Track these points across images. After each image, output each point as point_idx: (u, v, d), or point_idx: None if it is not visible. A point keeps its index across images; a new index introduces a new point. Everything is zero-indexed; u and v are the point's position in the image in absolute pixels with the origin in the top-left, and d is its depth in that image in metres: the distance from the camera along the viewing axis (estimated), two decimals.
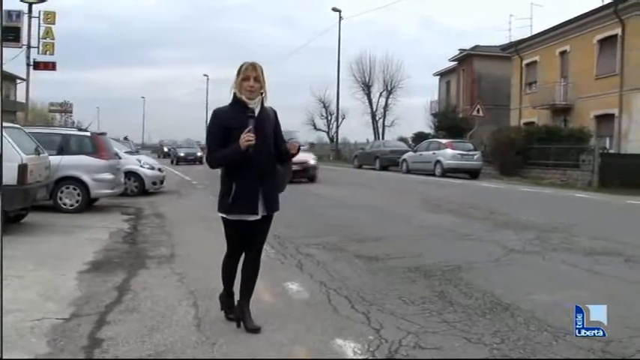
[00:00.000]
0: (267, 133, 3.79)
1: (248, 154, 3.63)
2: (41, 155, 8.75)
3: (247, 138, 3.60)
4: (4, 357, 3.06)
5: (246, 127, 3.61)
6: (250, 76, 3.69)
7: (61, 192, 10.35)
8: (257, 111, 3.74)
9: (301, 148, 4.42)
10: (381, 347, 3.61)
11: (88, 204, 10.76)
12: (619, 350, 3.54)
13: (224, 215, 3.81)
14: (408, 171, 25.52)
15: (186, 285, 5.14)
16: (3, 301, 4.40)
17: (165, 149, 45.06)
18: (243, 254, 3.96)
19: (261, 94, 3.77)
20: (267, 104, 3.86)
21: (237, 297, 4.00)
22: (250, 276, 3.96)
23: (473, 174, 23.39)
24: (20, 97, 36.13)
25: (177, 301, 4.61)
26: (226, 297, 4.09)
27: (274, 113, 3.94)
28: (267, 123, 3.82)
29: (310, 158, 18.47)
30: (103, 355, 3.47)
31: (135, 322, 4.10)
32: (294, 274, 5.70)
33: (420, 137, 35.29)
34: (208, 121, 3.88)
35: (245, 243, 3.90)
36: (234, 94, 3.76)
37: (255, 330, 3.87)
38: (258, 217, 3.79)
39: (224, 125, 3.73)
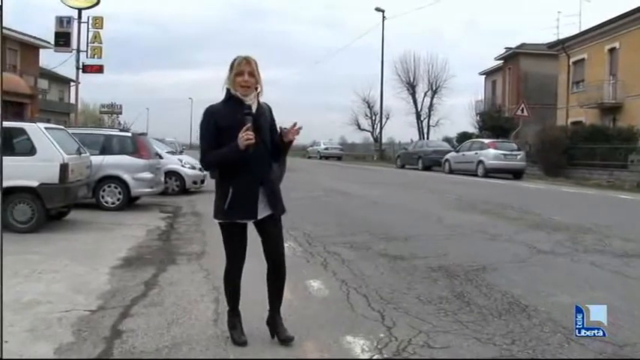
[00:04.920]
0: (265, 131, 3.56)
1: (247, 154, 3.42)
2: (82, 155, 9.09)
3: (247, 136, 3.37)
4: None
5: (243, 126, 3.38)
6: (244, 70, 3.47)
7: (103, 190, 10.74)
8: (254, 108, 3.53)
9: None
10: (390, 345, 3.65)
11: (129, 202, 11.11)
12: (633, 354, 3.48)
13: (221, 221, 3.63)
14: (451, 171, 25.21)
15: (211, 281, 5.25)
16: (36, 293, 4.68)
17: None
18: (266, 264, 3.70)
19: (257, 89, 3.56)
20: (262, 99, 3.64)
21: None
22: (278, 287, 3.72)
23: (516, 174, 22.90)
24: (74, 99, 37.60)
25: (199, 296, 4.76)
26: (231, 316, 3.76)
27: (269, 109, 3.69)
28: (264, 120, 3.60)
29: None
30: (122, 346, 3.63)
31: (156, 315, 4.26)
32: (318, 272, 5.76)
33: (464, 137, 34.67)
34: (200, 119, 3.64)
35: (253, 251, 3.71)
36: (228, 90, 3.54)
37: (289, 340, 3.64)
38: (260, 218, 3.60)
39: (218, 124, 3.50)
